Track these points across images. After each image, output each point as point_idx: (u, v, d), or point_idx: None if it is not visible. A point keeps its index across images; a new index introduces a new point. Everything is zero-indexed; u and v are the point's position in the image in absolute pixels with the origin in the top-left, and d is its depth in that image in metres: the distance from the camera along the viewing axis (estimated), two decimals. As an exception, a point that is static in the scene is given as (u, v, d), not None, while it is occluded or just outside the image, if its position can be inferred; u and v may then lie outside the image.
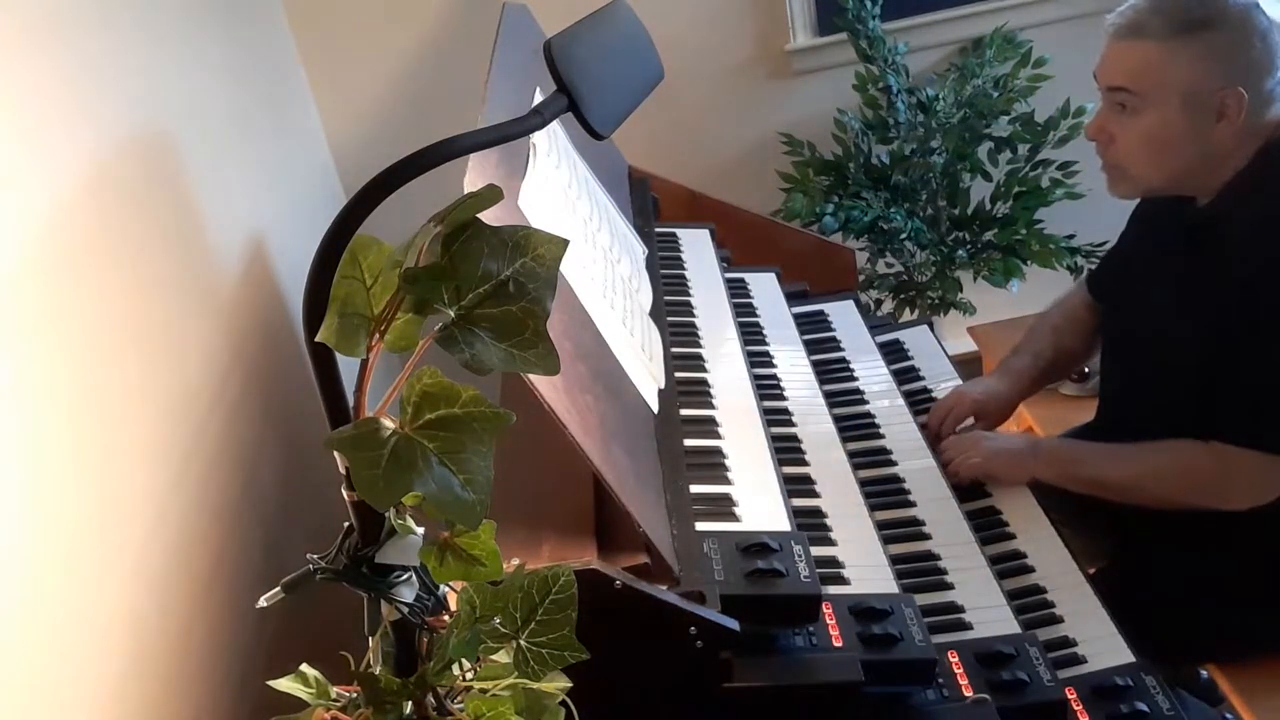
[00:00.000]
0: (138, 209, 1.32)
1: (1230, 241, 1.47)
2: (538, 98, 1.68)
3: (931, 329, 2.05)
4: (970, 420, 1.76)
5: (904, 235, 2.60)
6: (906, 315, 2.75)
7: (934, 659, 1.18)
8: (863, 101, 2.69)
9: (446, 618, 0.86)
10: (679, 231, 2.11)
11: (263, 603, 0.86)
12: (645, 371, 1.47)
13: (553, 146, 1.65)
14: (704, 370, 1.64)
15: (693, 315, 1.82)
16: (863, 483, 1.53)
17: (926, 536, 1.48)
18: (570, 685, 0.88)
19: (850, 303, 2.07)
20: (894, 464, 1.63)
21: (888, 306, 2.82)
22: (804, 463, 1.53)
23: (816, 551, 1.26)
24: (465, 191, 0.86)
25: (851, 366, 1.87)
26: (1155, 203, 1.64)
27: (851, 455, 1.58)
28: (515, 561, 0.88)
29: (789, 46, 2.75)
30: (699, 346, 1.71)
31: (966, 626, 1.32)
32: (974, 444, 1.65)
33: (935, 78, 2.75)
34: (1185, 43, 1.43)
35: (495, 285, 0.74)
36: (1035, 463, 1.63)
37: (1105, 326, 1.78)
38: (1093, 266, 2.61)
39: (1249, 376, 1.45)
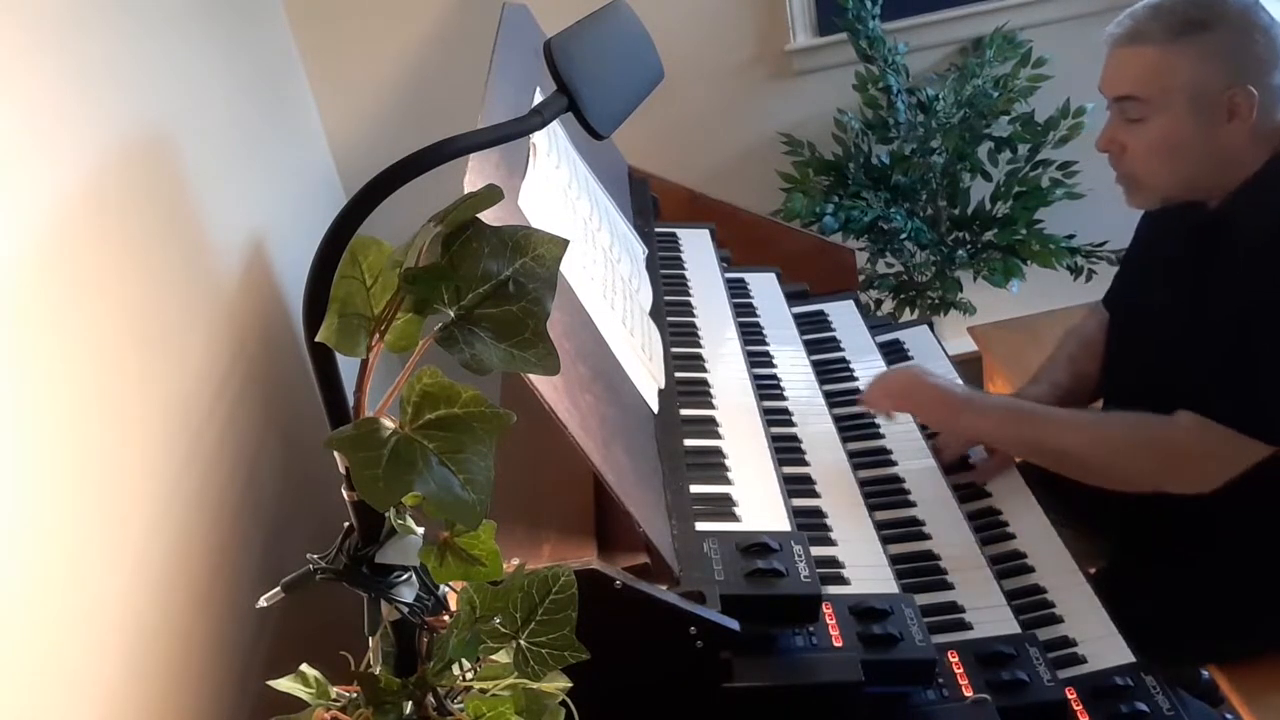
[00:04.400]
0: (138, 208, 1.32)
1: (1240, 243, 1.46)
2: (538, 98, 1.68)
3: (931, 329, 2.05)
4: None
5: (904, 235, 2.60)
6: (906, 315, 2.75)
7: (934, 659, 1.18)
8: (863, 101, 2.69)
9: (446, 618, 0.86)
10: (679, 231, 2.11)
11: (263, 603, 0.86)
12: (645, 371, 1.47)
13: (553, 146, 1.64)
14: (704, 370, 1.64)
15: (693, 315, 1.82)
16: (863, 483, 1.52)
17: (926, 536, 1.48)
18: (570, 685, 0.88)
19: (850, 303, 2.07)
20: (894, 464, 1.63)
21: (888, 306, 2.82)
22: (804, 463, 1.53)
23: (816, 551, 1.26)
24: (465, 191, 0.86)
25: (851, 366, 1.88)
26: (1163, 207, 1.63)
27: (851, 455, 1.58)
28: (515, 561, 0.88)
29: (789, 46, 2.75)
30: (699, 346, 1.71)
31: (966, 626, 1.32)
32: (900, 378, 1.62)
33: (935, 78, 2.75)
34: (1186, 45, 1.42)
35: (495, 285, 0.74)
36: (968, 413, 1.57)
37: (1112, 331, 1.77)
38: (1093, 266, 2.62)
39: (1244, 357, 1.42)
